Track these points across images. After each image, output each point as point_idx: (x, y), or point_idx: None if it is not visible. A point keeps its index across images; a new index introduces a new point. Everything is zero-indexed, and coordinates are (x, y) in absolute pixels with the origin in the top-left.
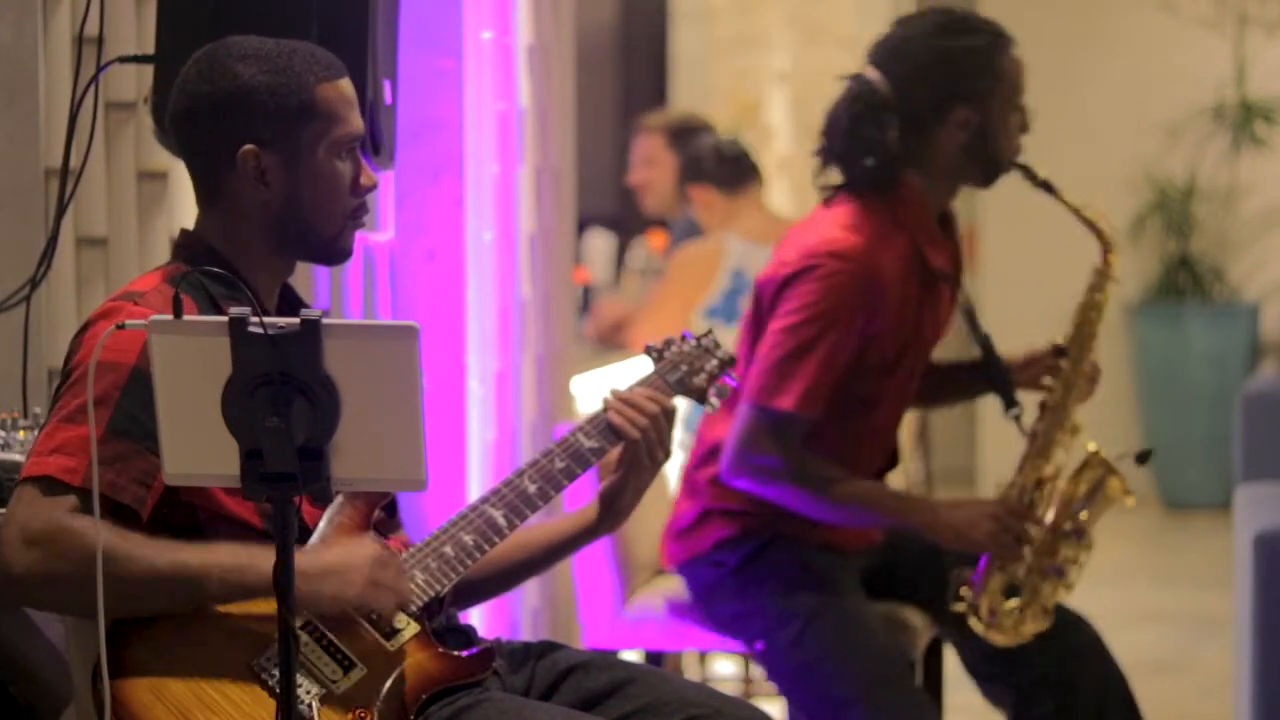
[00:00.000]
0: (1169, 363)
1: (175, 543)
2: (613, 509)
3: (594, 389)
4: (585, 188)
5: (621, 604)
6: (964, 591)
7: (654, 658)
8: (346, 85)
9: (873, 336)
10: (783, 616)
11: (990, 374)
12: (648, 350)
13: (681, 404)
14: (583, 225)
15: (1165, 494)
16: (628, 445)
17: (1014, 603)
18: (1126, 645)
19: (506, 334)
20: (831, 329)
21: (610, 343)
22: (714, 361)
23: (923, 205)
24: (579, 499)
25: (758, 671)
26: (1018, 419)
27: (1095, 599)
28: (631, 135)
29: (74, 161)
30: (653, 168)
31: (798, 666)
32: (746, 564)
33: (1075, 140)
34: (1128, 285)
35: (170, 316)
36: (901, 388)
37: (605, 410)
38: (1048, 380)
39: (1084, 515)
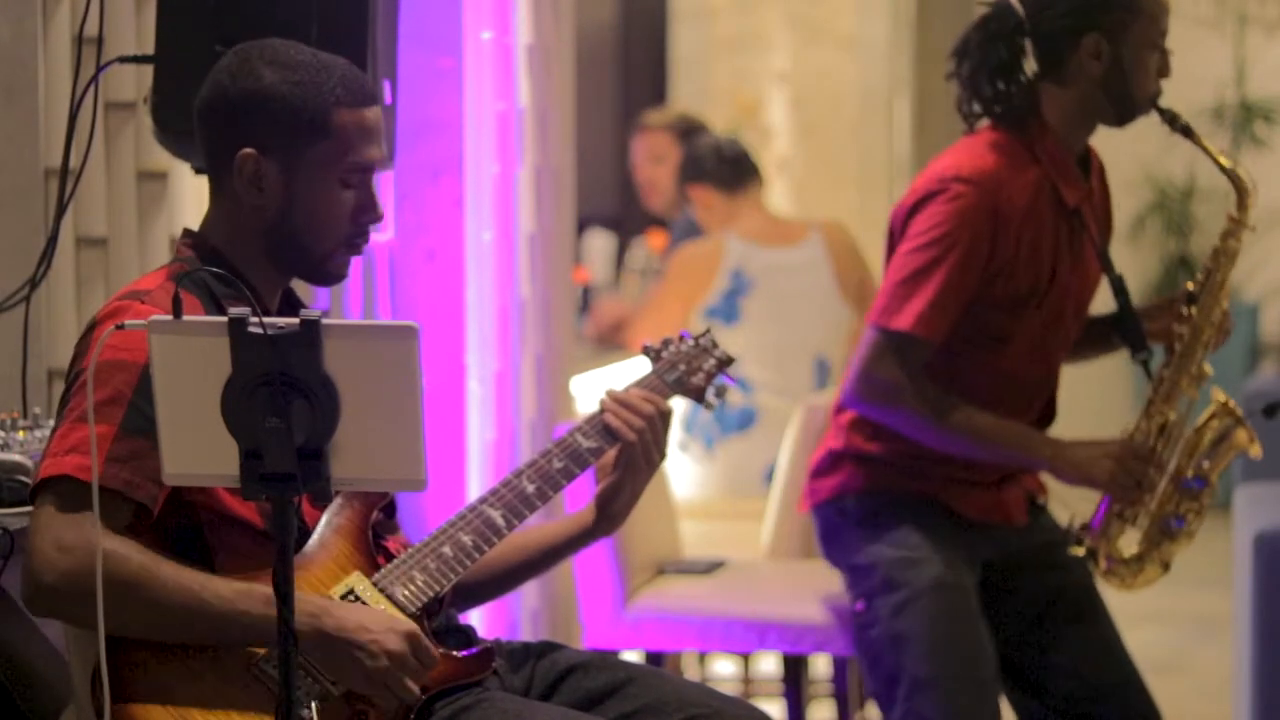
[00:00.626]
0: None
1: (205, 578)
2: (609, 511)
3: (593, 389)
4: (585, 188)
5: (622, 604)
6: (1082, 535)
7: (654, 658)
8: (372, 115)
9: (1001, 266)
10: (890, 583)
11: (1120, 318)
12: (645, 350)
13: (683, 403)
14: (582, 225)
15: None
16: (624, 447)
17: (1134, 549)
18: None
19: (506, 334)
20: (953, 251)
21: (609, 343)
22: (712, 361)
23: (1057, 139)
24: (578, 499)
25: (757, 672)
26: (1145, 364)
27: None
28: (634, 133)
29: (74, 161)
30: (660, 165)
31: (890, 635)
32: (869, 519)
33: None
34: (1128, 285)
35: (170, 316)
36: (1043, 330)
37: (602, 411)
38: (1177, 327)
39: (1207, 465)
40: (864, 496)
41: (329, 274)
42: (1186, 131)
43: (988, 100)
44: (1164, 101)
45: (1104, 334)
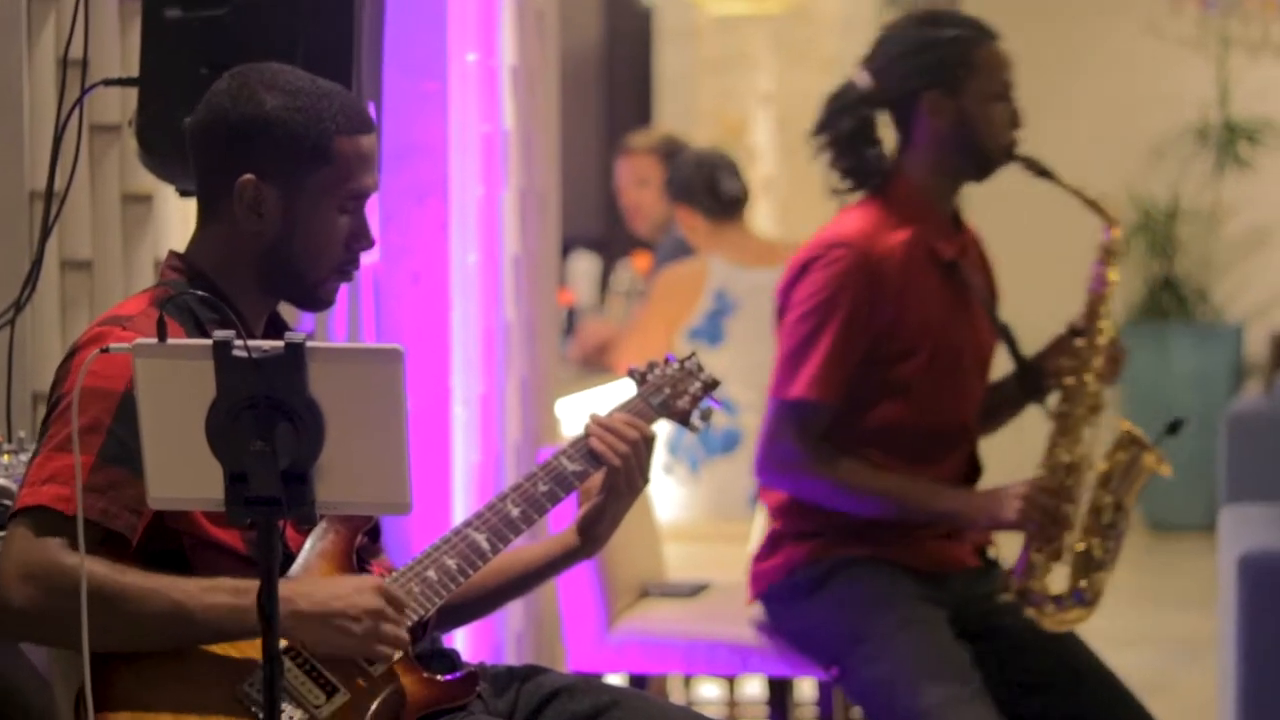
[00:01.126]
0: (1153, 384)
1: (170, 579)
2: (591, 534)
3: (578, 412)
4: (570, 210)
5: (605, 627)
6: (1009, 580)
7: (638, 681)
8: (369, 142)
9: (885, 323)
10: (856, 636)
11: (1016, 367)
12: (631, 373)
13: (668, 425)
14: (567, 247)
15: (1150, 516)
16: (609, 471)
17: (1060, 589)
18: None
19: (491, 357)
20: (836, 314)
21: (594, 365)
22: (697, 384)
23: (923, 198)
24: (560, 521)
25: (743, 695)
26: (1041, 403)
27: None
28: (618, 156)
29: (58, 184)
30: (644, 188)
31: (873, 684)
32: (820, 585)
33: (1059, 160)
34: (1112, 306)
35: (154, 340)
36: (942, 382)
37: (587, 435)
38: (1066, 362)
39: (1120, 491)
40: (811, 566)
41: (319, 300)
42: (1046, 175)
43: (846, 172)
44: (1149, 122)
45: (1010, 393)
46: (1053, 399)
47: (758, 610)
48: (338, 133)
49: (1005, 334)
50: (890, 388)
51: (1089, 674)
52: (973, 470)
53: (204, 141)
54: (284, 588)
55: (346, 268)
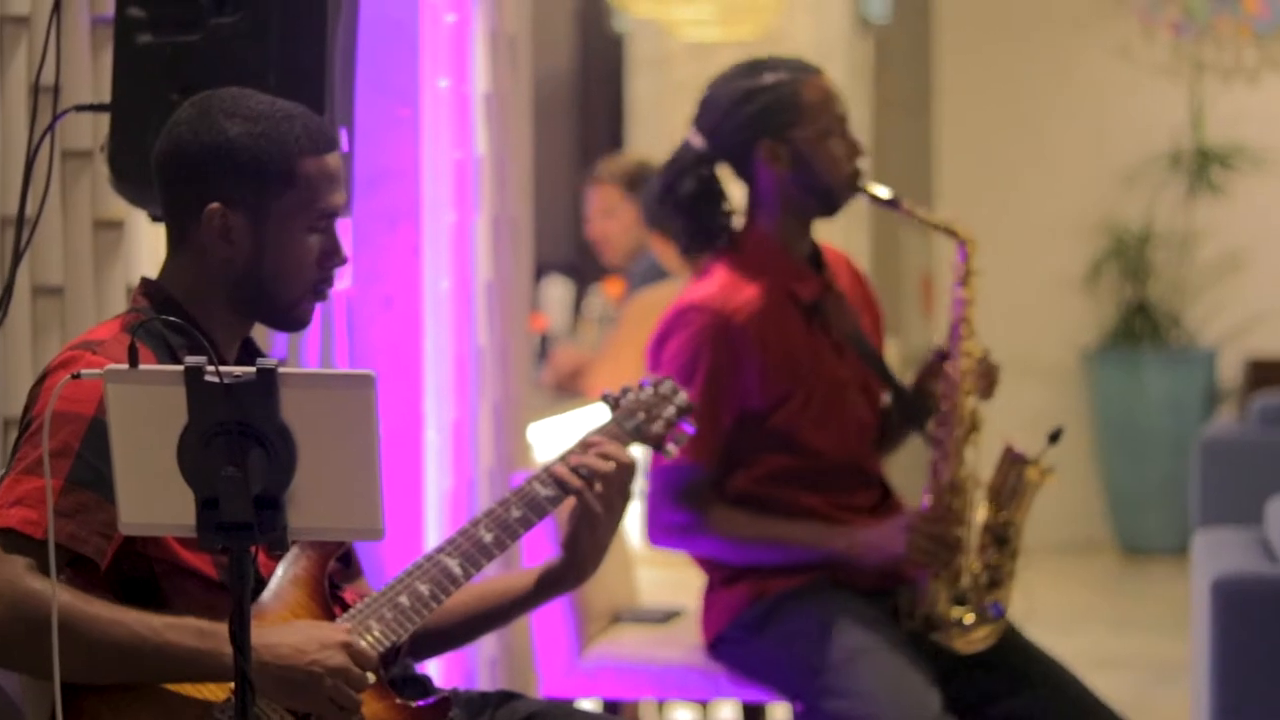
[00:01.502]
0: (1126, 409)
1: (137, 614)
2: (573, 559)
3: (551, 437)
4: (542, 236)
5: (578, 653)
6: (912, 609)
7: (611, 706)
8: (333, 160)
9: (753, 378)
10: (813, 669)
11: (890, 394)
12: (605, 398)
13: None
14: (540, 273)
15: (1123, 540)
16: (576, 497)
17: (961, 610)
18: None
19: (463, 382)
20: (696, 377)
21: (567, 391)
22: (671, 409)
23: (776, 245)
24: (535, 549)
25: (715, 719)
26: (921, 429)
27: (1053, 644)
28: (586, 185)
29: (30, 210)
30: (611, 219)
31: (834, 717)
32: (769, 622)
33: (1033, 186)
34: (1085, 331)
35: (126, 366)
36: (829, 419)
37: (562, 459)
38: (939, 385)
39: (1011, 507)
40: (756, 604)
41: (295, 320)
42: (892, 204)
43: (694, 233)
44: (1122, 148)
45: (893, 419)
46: (931, 423)
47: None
48: (302, 154)
49: (874, 364)
50: (776, 437)
51: (1042, 675)
52: (886, 496)
53: (168, 172)
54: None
55: (321, 287)
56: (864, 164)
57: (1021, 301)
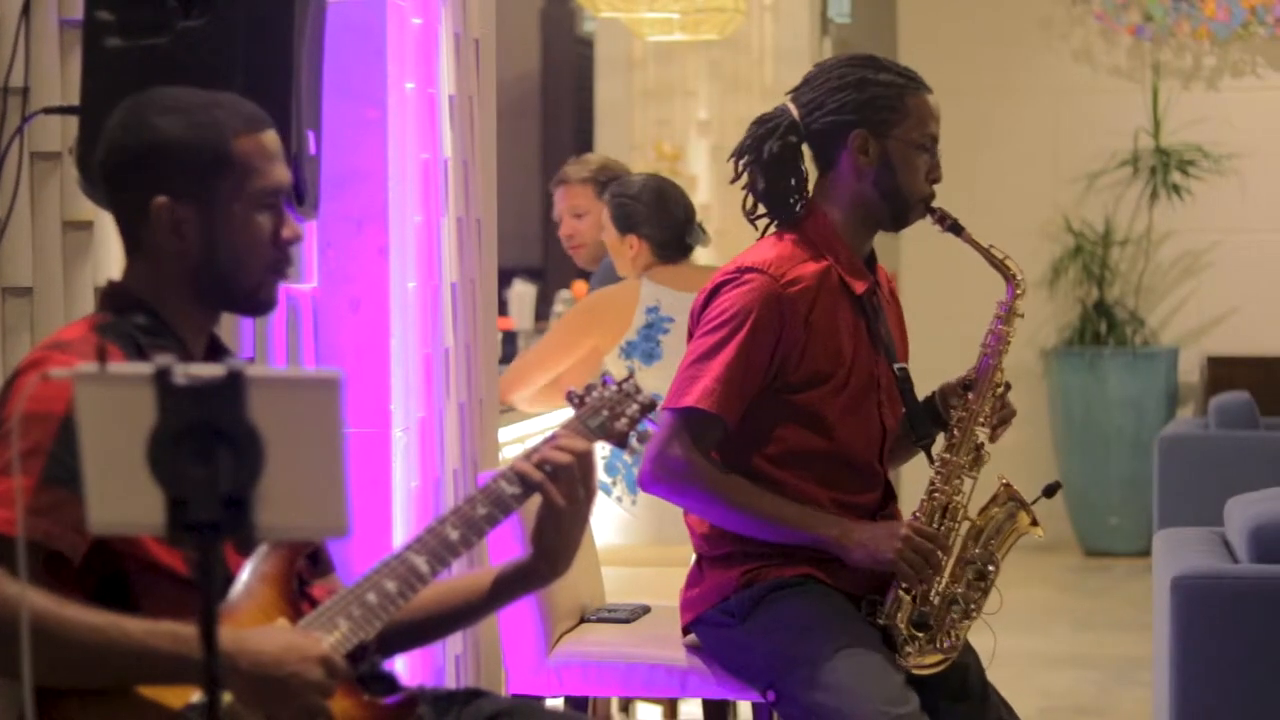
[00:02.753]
0: (1087, 408)
1: (111, 618)
2: (541, 554)
3: (520, 437)
4: (508, 238)
5: (545, 651)
6: (871, 617)
7: (578, 704)
8: (269, 138)
9: (792, 347)
10: (792, 661)
11: (906, 409)
12: (569, 397)
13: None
14: (506, 276)
15: (1084, 539)
16: (538, 489)
17: (920, 633)
18: (1047, 688)
19: (430, 382)
20: (740, 331)
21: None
22: (635, 406)
23: (836, 235)
24: (502, 547)
25: (683, 717)
26: (926, 449)
27: (1016, 643)
28: (555, 186)
29: None
30: (583, 219)
31: (811, 709)
32: (754, 610)
33: (994, 189)
34: (1046, 331)
35: (95, 366)
36: (854, 411)
37: (527, 456)
38: (956, 411)
39: (993, 545)
40: (742, 592)
41: (261, 303)
42: (956, 229)
43: (766, 196)
44: (1082, 151)
45: (903, 433)
46: (938, 446)
47: (691, 638)
48: (235, 135)
49: (901, 379)
50: (800, 414)
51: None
52: (887, 502)
53: (111, 177)
54: (230, 640)
55: (279, 265)
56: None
57: (983, 302)
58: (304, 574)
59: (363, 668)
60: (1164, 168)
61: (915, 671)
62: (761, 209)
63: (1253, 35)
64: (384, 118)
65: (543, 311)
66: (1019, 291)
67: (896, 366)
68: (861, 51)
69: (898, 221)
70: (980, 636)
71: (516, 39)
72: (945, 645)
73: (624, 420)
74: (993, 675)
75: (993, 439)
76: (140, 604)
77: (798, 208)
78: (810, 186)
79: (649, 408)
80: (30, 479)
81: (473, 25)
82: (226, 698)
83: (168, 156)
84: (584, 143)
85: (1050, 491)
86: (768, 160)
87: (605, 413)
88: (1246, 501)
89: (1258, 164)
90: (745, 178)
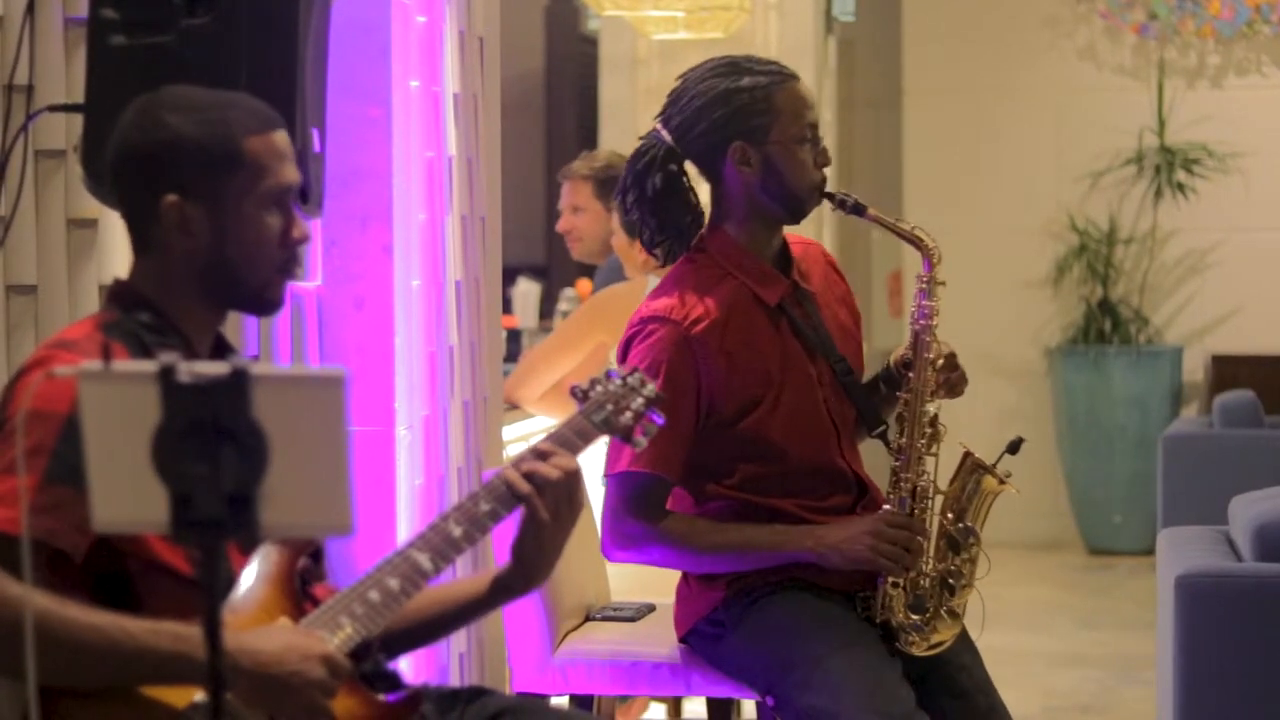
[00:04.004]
0: (1091, 407)
1: (113, 618)
2: (520, 565)
3: (523, 435)
4: (513, 236)
5: (550, 649)
6: (868, 615)
7: (583, 702)
8: (279, 138)
9: (718, 385)
10: (788, 664)
11: (850, 399)
12: (573, 391)
13: None
14: (511, 274)
15: (1088, 537)
16: (524, 501)
17: (919, 616)
18: (1050, 687)
19: (434, 380)
20: (658, 385)
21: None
22: (640, 400)
23: (741, 248)
24: (508, 543)
25: (686, 716)
26: (883, 437)
27: (1020, 641)
28: (563, 179)
29: (4, 209)
30: (581, 214)
31: (808, 712)
32: (746, 619)
33: (999, 186)
34: (1050, 330)
35: (100, 364)
36: (802, 422)
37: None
38: (901, 393)
39: (968, 515)
40: (732, 601)
41: (268, 302)
42: (857, 210)
43: (659, 230)
44: (1087, 149)
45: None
46: (894, 431)
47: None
48: (246, 134)
49: (842, 370)
50: (745, 442)
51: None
52: (864, 495)
53: (122, 175)
54: (231, 640)
55: (287, 265)
56: (829, 170)
57: (987, 301)
58: (306, 573)
59: (366, 666)
60: (1168, 166)
61: (928, 652)
62: (658, 243)
63: (1257, 33)
64: (388, 116)
65: (547, 310)
66: (935, 260)
67: (834, 362)
68: (720, 57)
69: (795, 216)
70: (970, 623)
71: (521, 37)
72: (949, 618)
73: (628, 414)
74: (996, 674)
75: (951, 396)
76: (143, 603)
77: (693, 233)
78: (703, 200)
79: (654, 401)
80: (34, 477)
81: (477, 23)
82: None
83: (179, 155)
84: (588, 141)
85: (1014, 448)
86: (653, 196)
87: (610, 407)
88: (1250, 500)
89: (1262, 162)
90: (636, 215)
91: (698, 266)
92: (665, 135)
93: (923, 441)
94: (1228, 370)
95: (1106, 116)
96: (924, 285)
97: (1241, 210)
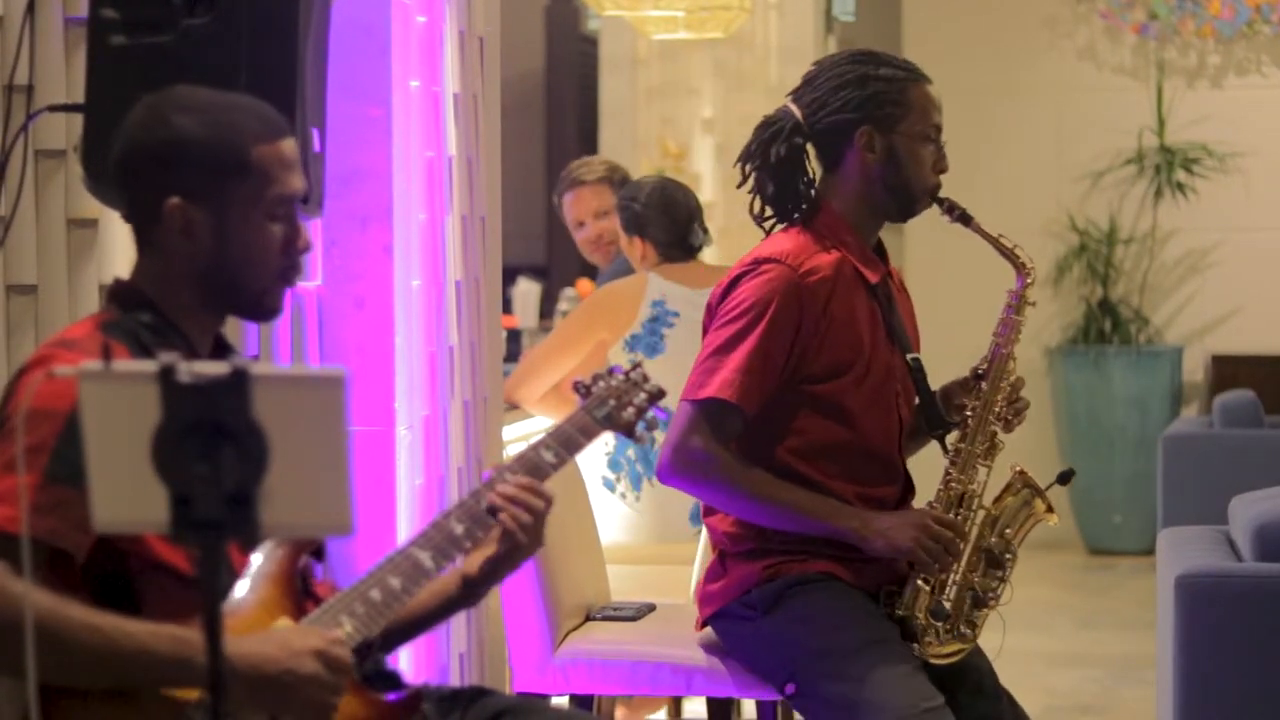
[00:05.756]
0: (1091, 407)
1: (114, 620)
2: (489, 577)
3: (524, 435)
4: (513, 236)
5: (550, 649)
6: (889, 609)
7: (583, 702)
8: (288, 146)
9: (812, 337)
10: (817, 653)
11: (920, 399)
12: (576, 386)
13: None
14: (511, 273)
15: (1088, 537)
16: (502, 524)
17: (937, 623)
18: (1050, 687)
19: (434, 380)
20: (760, 321)
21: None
22: (642, 395)
23: (846, 228)
24: None
25: (687, 715)
26: (941, 439)
27: (1020, 641)
28: (568, 191)
29: (4, 209)
30: (608, 218)
31: (835, 701)
32: (777, 604)
33: (999, 187)
34: (1050, 329)
35: (100, 364)
36: (875, 401)
37: (535, 449)
38: (969, 402)
39: (1009, 533)
40: (765, 586)
41: (266, 309)
42: (965, 219)
43: (775, 199)
44: (1087, 149)
45: (916, 424)
46: (953, 436)
47: (707, 632)
48: (255, 142)
49: (915, 370)
50: (822, 405)
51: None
52: (907, 494)
53: (127, 174)
54: (226, 645)
55: (288, 273)
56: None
57: (987, 301)
58: (306, 572)
59: (367, 665)
60: (1168, 166)
61: (934, 661)
62: (769, 211)
63: (1257, 33)
64: (388, 116)
65: (547, 310)
66: (1029, 280)
67: (910, 357)
68: (860, 47)
69: (905, 213)
70: (989, 632)
71: (521, 37)
72: (964, 634)
73: (631, 410)
74: (997, 673)
75: (1007, 430)
76: (143, 603)
77: (807, 206)
78: (817, 184)
79: (656, 396)
80: (34, 477)
81: (477, 23)
82: None
83: (184, 156)
84: (588, 141)
85: (1065, 479)
86: (775, 164)
87: (612, 402)
88: (1250, 500)
89: (1262, 162)
90: (752, 182)
91: (808, 234)
92: (796, 111)
93: (981, 449)
94: (1228, 370)
95: (1106, 116)
96: (1014, 303)
97: (1241, 210)
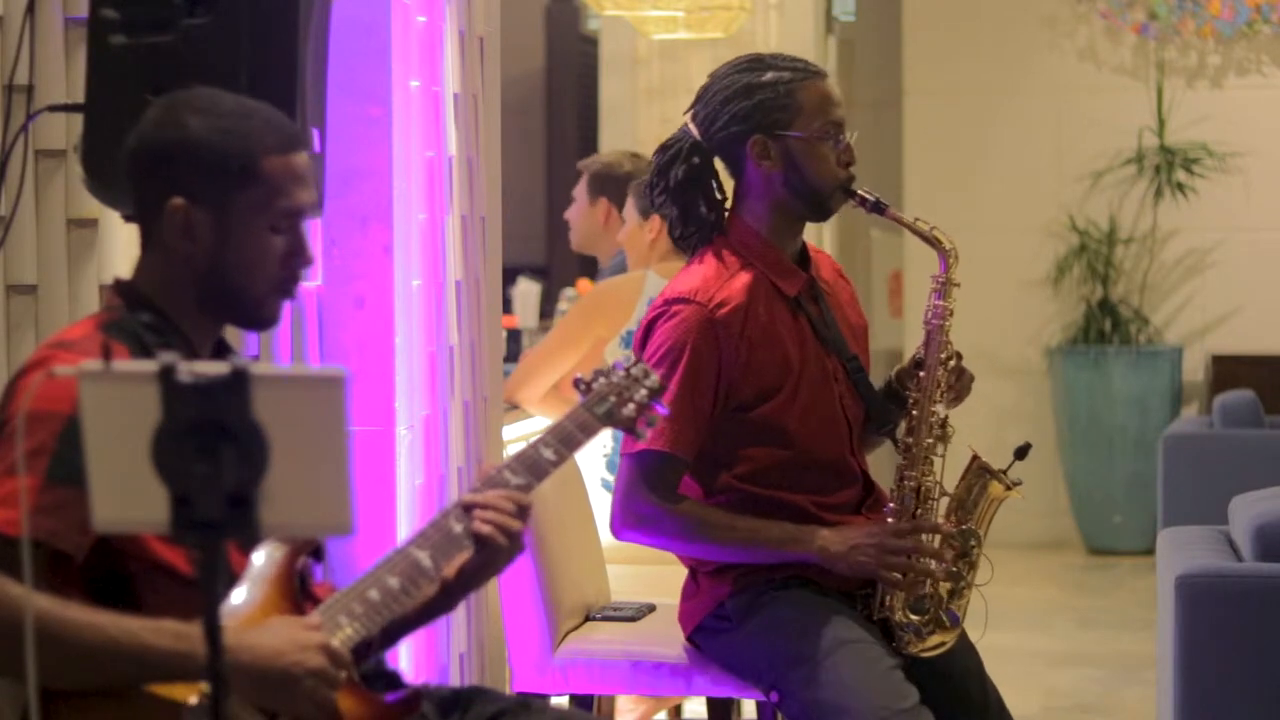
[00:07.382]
0: (1091, 407)
1: (113, 618)
2: (468, 583)
3: (524, 435)
4: (513, 236)
5: (550, 649)
6: (868, 613)
7: (583, 702)
8: (300, 160)
9: (737, 369)
10: (794, 659)
11: (861, 396)
12: (576, 383)
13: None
14: (511, 273)
15: (1088, 537)
16: (485, 541)
17: (918, 617)
18: (1051, 687)
19: (434, 380)
20: (679, 365)
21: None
22: (643, 391)
23: (762, 241)
24: None
25: (688, 715)
26: (891, 435)
27: (1020, 641)
28: (560, 180)
29: (4, 209)
30: (573, 205)
31: (814, 706)
32: (751, 613)
33: (998, 187)
34: (1050, 329)
35: (100, 364)
36: (815, 414)
37: (534, 448)
38: (910, 392)
39: (974, 519)
40: (737, 596)
41: (262, 319)
42: (879, 209)
43: (680, 221)
44: (1087, 149)
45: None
46: (902, 429)
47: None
48: (266, 152)
49: (853, 368)
50: (760, 430)
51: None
52: (869, 493)
53: (136, 170)
54: (230, 637)
55: (286, 285)
56: (855, 170)
57: (987, 301)
58: (305, 572)
59: (366, 665)
60: (1168, 166)
61: (923, 654)
62: (683, 234)
63: (1257, 33)
64: (388, 116)
65: (547, 310)
66: (952, 262)
67: (846, 359)
68: (747, 55)
69: (819, 213)
70: (972, 624)
71: (521, 37)
72: (947, 624)
73: (631, 406)
74: (996, 674)
75: (955, 403)
76: (143, 603)
77: (716, 224)
78: (730, 198)
79: (657, 392)
80: (34, 478)
81: (477, 23)
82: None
83: (191, 157)
84: (588, 141)
85: (1021, 453)
86: (675, 188)
87: (613, 399)
88: (1251, 500)
89: (1262, 162)
90: (661, 206)
91: (720, 256)
92: (692, 129)
93: (930, 441)
94: (1227, 370)
95: (1106, 116)
96: (939, 286)
97: (1241, 210)
